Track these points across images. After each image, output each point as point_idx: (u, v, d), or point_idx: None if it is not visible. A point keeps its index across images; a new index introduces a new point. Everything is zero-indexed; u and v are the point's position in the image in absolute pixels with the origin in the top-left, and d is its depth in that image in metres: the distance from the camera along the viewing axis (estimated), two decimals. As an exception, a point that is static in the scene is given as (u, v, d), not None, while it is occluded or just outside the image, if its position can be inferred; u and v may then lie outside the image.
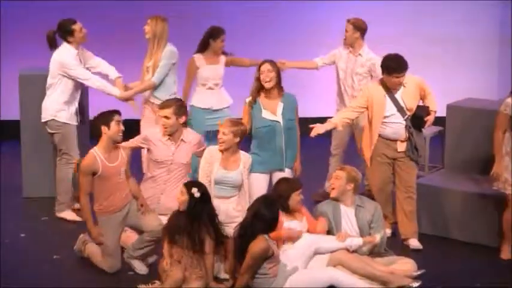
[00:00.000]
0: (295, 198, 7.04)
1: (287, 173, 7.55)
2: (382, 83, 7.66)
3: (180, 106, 7.55)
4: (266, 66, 7.49)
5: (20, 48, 10.65)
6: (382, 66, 7.62)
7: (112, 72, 8.49)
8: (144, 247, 7.24)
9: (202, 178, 7.31)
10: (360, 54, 8.66)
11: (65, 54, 8.22)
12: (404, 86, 7.63)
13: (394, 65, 7.53)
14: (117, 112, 7.25)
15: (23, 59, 10.05)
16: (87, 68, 8.40)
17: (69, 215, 8.37)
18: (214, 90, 8.76)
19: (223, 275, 7.06)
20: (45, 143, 8.64)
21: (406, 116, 7.61)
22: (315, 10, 11.10)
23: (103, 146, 7.18)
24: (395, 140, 7.65)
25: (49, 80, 8.30)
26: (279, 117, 7.51)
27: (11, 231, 8.12)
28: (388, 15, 11.12)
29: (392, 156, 7.68)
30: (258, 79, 7.51)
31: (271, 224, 6.70)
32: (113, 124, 7.13)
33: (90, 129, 8.80)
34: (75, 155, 8.25)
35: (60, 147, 8.34)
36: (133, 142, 7.62)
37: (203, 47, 8.74)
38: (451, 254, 7.76)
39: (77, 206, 8.29)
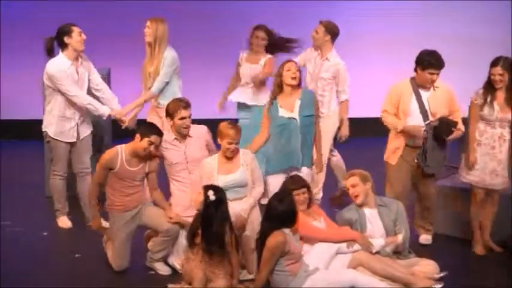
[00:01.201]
0: (295, 198, 6.98)
1: (305, 172, 7.52)
2: (412, 81, 7.55)
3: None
4: (293, 64, 7.53)
5: (22, 47, 10.72)
6: (417, 60, 7.47)
7: (114, 104, 8.13)
8: (162, 248, 7.26)
9: None
10: (327, 59, 8.50)
11: (54, 65, 7.88)
12: (434, 89, 7.52)
13: (430, 60, 7.40)
14: (159, 134, 7.17)
15: (27, 59, 10.12)
16: (89, 81, 8.08)
17: (61, 221, 8.19)
18: (245, 88, 8.72)
19: (245, 276, 7.08)
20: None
21: (428, 122, 7.48)
22: (332, 10, 11.10)
23: (130, 149, 7.19)
24: (414, 147, 7.53)
25: (44, 91, 8.11)
26: (295, 114, 7.49)
27: (34, 230, 8.18)
28: (406, 15, 11.11)
29: (411, 162, 7.59)
30: (281, 76, 7.51)
31: (286, 218, 6.68)
32: (145, 140, 7.12)
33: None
34: (59, 170, 8.07)
35: (50, 158, 8.22)
36: None
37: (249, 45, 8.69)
38: (471, 255, 7.74)
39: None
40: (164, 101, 8.07)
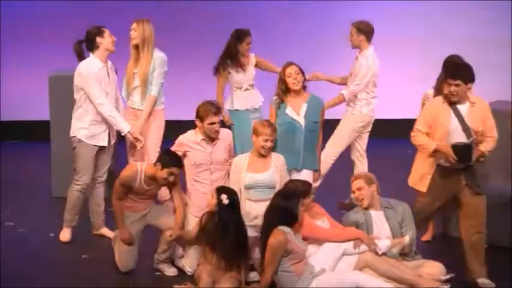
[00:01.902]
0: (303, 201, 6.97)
1: (305, 174, 7.49)
2: (446, 97, 6.94)
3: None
4: (293, 69, 7.48)
5: (50, 50, 10.73)
6: (443, 65, 7.27)
7: (123, 125, 7.87)
8: (167, 248, 7.27)
9: (233, 186, 7.26)
10: (360, 57, 8.51)
11: (87, 66, 7.79)
12: (471, 105, 6.95)
13: (451, 68, 6.99)
14: (179, 166, 7.20)
15: (53, 61, 10.12)
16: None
17: (62, 233, 7.99)
18: (251, 90, 8.79)
19: (256, 277, 7.09)
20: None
21: (472, 139, 6.90)
22: (343, 10, 11.10)
23: (149, 173, 7.19)
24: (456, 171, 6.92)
25: (75, 94, 7.90)
26: (300, 118, 7.47)
27: (41, 231, 8.19)
28: (416, 16, 11.09)
29: (454, 188, 7.04)
30: (284, 81, 7.48)
31: (287, 216, 6.69)
32: (165, 171, 7.11)
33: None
34: (83, 180, 7.84)
35: (74, 166, 7.93)
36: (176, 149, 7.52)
37: (231, 52, 8.70)
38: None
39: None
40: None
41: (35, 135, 10.63)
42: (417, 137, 7.01)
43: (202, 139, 7.40)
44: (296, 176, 7.41)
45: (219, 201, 6.88)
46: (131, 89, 8.30)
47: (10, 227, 8.26)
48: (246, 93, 8.79)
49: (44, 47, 10.81)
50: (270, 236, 6.64)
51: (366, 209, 7.13)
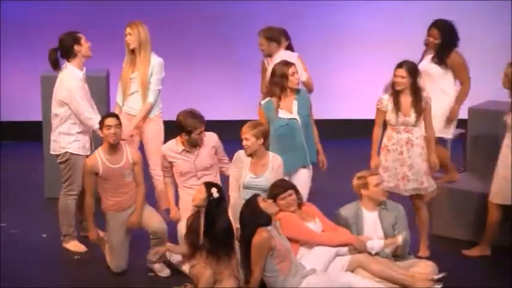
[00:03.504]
0: (280, 203, 6.95)
1: (303, 173, 7.51)
2: None
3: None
4: (294, 68, 7.54)
5: (42, 50, 10.70)
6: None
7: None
8: (159, 250, 7.22)
9: (232, 183, 7.29)
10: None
11: (71, 79, 7.55)
12: None
13: None
14: (111, 115, 7.27)
15: (45, 61, 10.10)
16: None
17: (74, 245, 7.78)
18: None
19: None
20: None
21: None
22: (335, 11, 11.10)
23: (105, 148, 7.24)
24: None
25: (54, 109, 7.65)
26: (295, 115, 7.49)
27: (33, 232, 8.17)
28: (408, 16, 11.09)
29: None
30: (286, 79, 7.46)
31: (256, 218, 6.67)
32: (104, 129, 7.18)
33: None
34: (76, 189, 7.70)
35: (64, 178, 7.76)
36: (163, 164, 7.55)
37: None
38: (474, 257, 7.71)
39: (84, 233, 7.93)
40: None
41: (27, 136, 10.61)
42: None
43: (184, 149, 7.41)
44: (302, 172, 7.46)
45: (209, 194, 6.87)
46: (127, 94, 8.09)
47: (3, 228, 8.23)
48: None
49: (36, 48, 10.79)
50: (250, 241, 6.64)
51: (362, 207, 7.14)
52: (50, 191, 8.95)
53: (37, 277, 7.22)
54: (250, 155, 7.24)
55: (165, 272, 7.29)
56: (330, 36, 10.93)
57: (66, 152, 7.70)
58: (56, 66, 7.69)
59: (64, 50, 7.62)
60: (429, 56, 8.53)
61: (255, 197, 6.84)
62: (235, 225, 7.04)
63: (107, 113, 7.40)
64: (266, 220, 6.72)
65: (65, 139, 7.68)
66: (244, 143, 7.22)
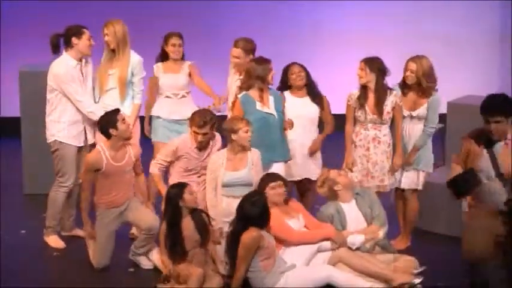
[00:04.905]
0: (269, 192, 6.98)
1: (276, 168, 7.48)
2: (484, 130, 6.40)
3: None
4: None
5: (19, 46, 10.67)
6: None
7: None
8: (145, 244, 7.26)
9: (208, 186, 7.28)
10: None
11: (60, 65, 7.62)
12: (506, 143, 6.35)
13: (484, 104, 6.26)
14: (118, 110, 7.25)
15: (22, 57, 10.07)
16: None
17: (54, 241, 7.77)
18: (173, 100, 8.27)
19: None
20: (45, 140, 8.59)
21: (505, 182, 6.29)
22: (315, 10, 11.12)
23: (111, 144, 7.16)
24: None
25: (47, 95, 7.72)
26: (272, 110, 7.52)
27: (11, 228, 8.13)
28: (388, 15, 11.14)
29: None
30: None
31: (259, 220, 6.68)
32: (119, 124, 7.12)
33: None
34: (67, 181, 7.69)
35: (56, 169, 7.74)
36: (166, 158, 7.40)
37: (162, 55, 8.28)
38: (453, 251, 7.74)
39: (64, 233, 7.93)
40: (126, 109, 7.83)
41: (5, 132, 10.54)
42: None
43: (196, 147, 7.39)
44: (276, 167, 7.45)
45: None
46: (104, 91, 7.98)
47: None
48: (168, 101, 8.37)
49: (14, 43, 10.76)
50: (240, 235, 6.63)
51: (338, 201, 7.17)
52: (29, 188, 8.93)
53: (17, 274, 7.18)
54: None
55: (149, 264, 7.30)
56: (311, 34, 10.97)
57: (56, 140, 7.69)
58: (55, 51, 7.75)
59: (64, 38, 7.70)
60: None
61: (262, 195, 6.83)
62: (217, 225, 7.09)
63: (116, 109, 7.28)
64: (264, 224, 6.73)
65: (55, 126, 7.69)
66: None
